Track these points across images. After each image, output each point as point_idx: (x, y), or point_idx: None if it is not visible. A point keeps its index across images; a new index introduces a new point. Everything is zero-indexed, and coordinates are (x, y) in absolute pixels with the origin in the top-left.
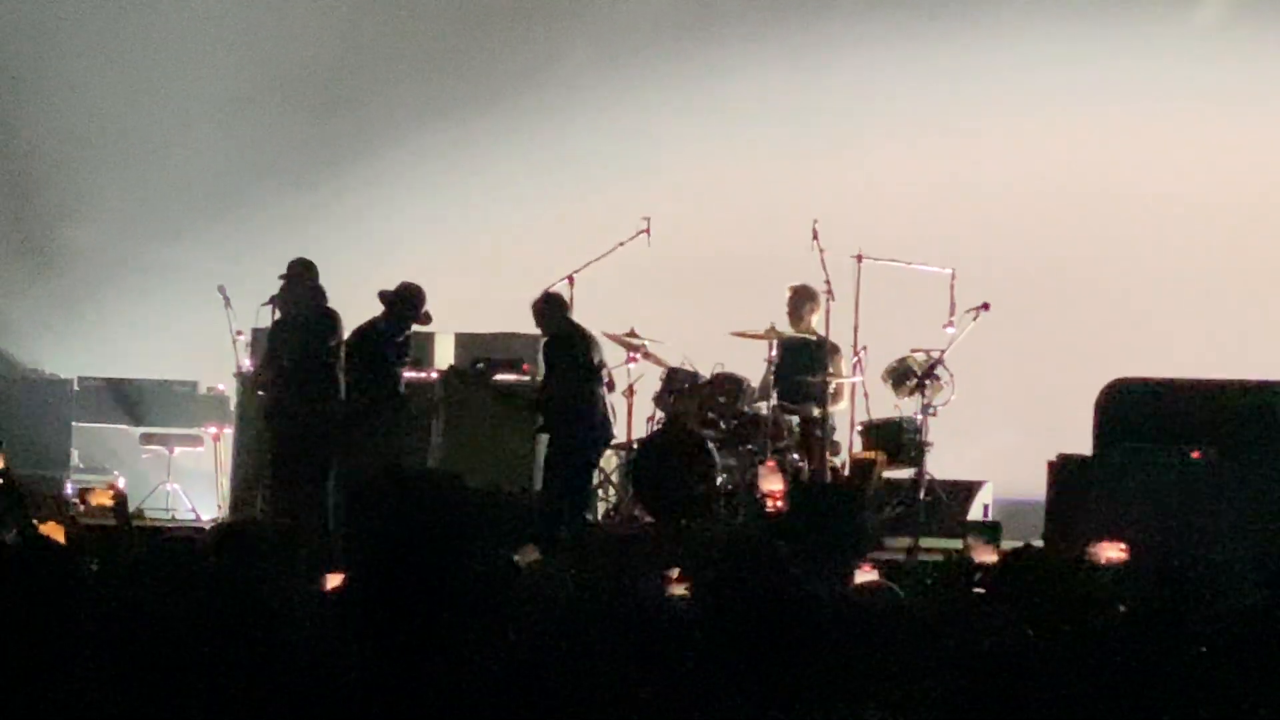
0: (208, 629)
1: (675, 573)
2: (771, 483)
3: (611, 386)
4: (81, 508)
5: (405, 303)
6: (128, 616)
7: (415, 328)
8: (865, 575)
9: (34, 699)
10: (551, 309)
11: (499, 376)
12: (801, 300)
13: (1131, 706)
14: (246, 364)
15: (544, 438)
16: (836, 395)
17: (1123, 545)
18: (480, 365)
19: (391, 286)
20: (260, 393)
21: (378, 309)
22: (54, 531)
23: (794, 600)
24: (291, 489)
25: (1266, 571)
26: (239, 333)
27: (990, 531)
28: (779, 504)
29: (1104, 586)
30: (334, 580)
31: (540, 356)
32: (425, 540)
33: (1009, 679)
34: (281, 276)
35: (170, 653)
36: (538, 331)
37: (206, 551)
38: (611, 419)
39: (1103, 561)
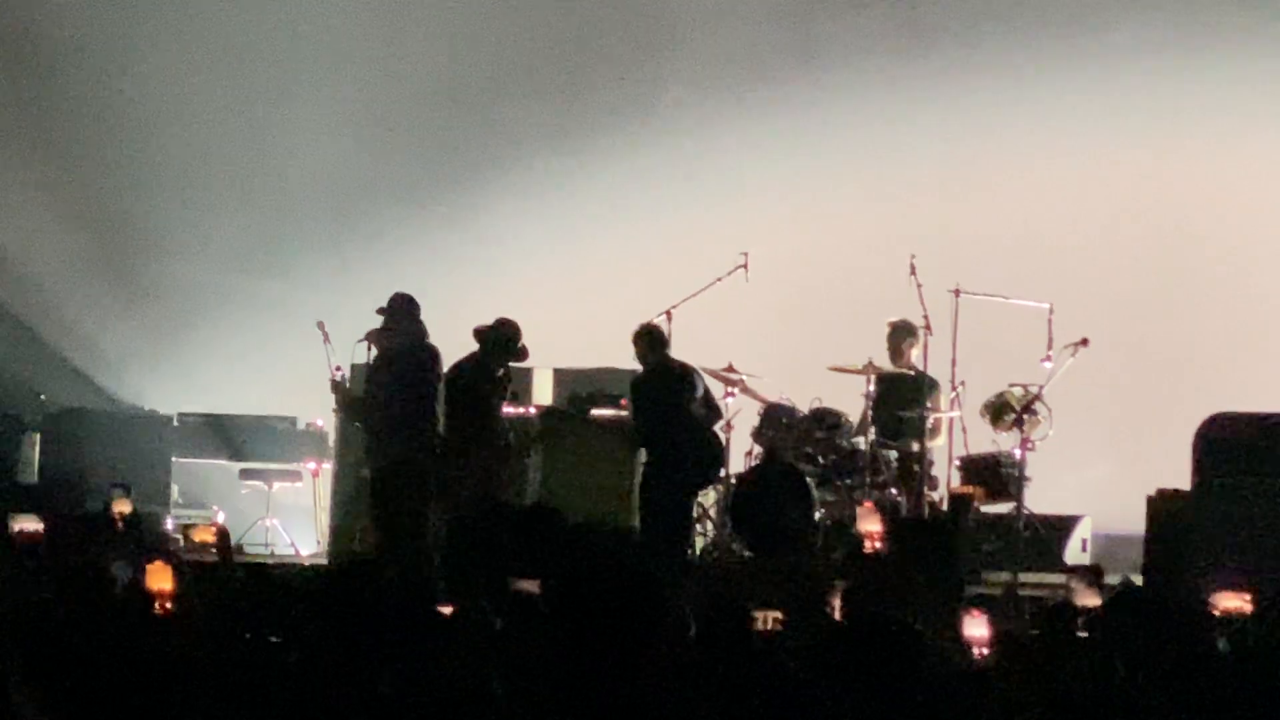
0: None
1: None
2: (870, 523)
3: (718, 418)
4: (184, 544)
5: (501, 339)
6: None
7: (512, 364)
8: (973, 620)
9: None
10: (651, 343)
11: (597, 411)
12: (901, 335)
13: None
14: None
15: (641, 472)
16: (935, 430)
17: (1246, 595)
18: (578, 399)
19: (487, 323)
20: (341, 395)
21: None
22: (162, 572)
23: (900, 638)
24: (391, 524)
25: None
26: (338, 368)
27: (1093, 574)
28: (877, 545)
29: (1206, 628)
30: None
31: (635, 390)
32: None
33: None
34: (381, 311)
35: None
36: (636, 366)
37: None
38: (722, 454)
39: (1221, 611)
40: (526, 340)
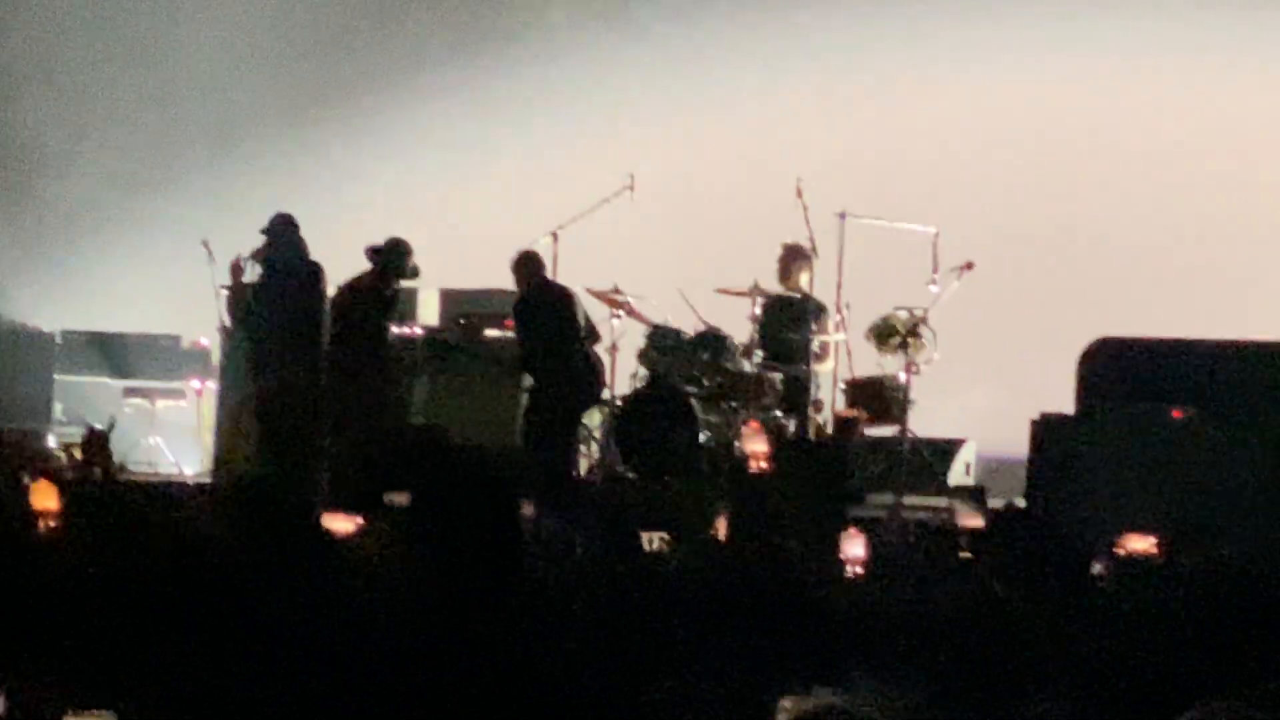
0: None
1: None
2: (755, 443)
3: (596, 339)
4: (66, 461)
5: (393, 257)
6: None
7: (403, 282)
8: (851, 538)
9: None
10: (527, 267)
11: (490, 333)
12: (793, 258)
13: (1116, 670)
14: (228, 318)
15: (525, 396)
16: (823, 355)
17: (1153, 539)
18: (462, 320)
19: (377, 241)
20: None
21: (362, 263)
22: (46, 491)
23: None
24: (276, 445)
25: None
26: (222, 287)
27: (975, 496)
28: (763, 465)
29: (1085, 553)
30: (337, 523)
31: (517, 314)
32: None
33: (991, 643)
34: (263, 231)
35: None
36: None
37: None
38: (602, 374)
39: (1127, 553)
40: (415, 260)
